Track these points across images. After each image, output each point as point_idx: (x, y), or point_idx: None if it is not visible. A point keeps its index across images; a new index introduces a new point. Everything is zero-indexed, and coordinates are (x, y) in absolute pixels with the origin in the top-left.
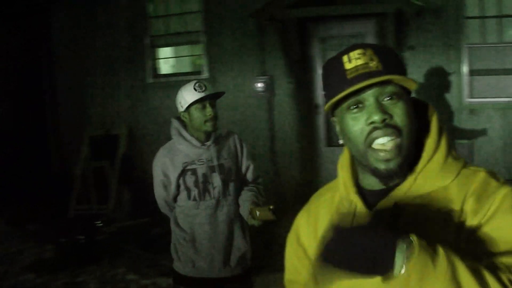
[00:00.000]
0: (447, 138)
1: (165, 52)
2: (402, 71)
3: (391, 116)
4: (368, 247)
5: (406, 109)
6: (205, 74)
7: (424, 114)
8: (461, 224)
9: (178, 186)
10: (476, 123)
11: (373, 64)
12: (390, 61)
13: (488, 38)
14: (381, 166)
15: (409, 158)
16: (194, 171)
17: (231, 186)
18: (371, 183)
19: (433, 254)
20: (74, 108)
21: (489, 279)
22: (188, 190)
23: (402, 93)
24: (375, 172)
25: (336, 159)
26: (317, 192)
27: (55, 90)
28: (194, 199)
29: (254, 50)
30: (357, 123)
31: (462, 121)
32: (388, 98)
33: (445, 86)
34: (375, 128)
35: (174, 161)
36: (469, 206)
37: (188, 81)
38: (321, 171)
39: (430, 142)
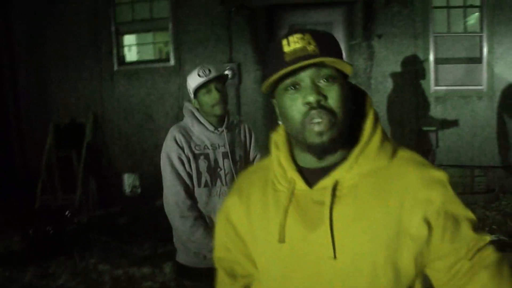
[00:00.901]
0: (381, 123)
1: (130, 39)
2: (339, 55)
3: (326, 98)
4: None
5: (341, 92)
6: (171, 62)
7: (362, 100)
8: (403, 204)
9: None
10: (442, 110)
11: (311, 48)
12: (327, 45)
13: (452, 27)
14: (315, 140)
15: (342, 137)
16: (207, 156)
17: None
18: (308, 161)
19: None
20: (37, 97)
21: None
22: (199, 175)
23: (338, 77)
24: (310, 147)
25: None
26: (247, 171)
27: (16, 79)
28: (206, 185)
29: (221, 37)
30: (294, 103)
31: (429, 109)
32: (324, 80)
33: (412, 74)
34: (311, 109)
35: (189, 142)
36: (418, 194)
37: (154, 68)
38: None
39: (367, 126)
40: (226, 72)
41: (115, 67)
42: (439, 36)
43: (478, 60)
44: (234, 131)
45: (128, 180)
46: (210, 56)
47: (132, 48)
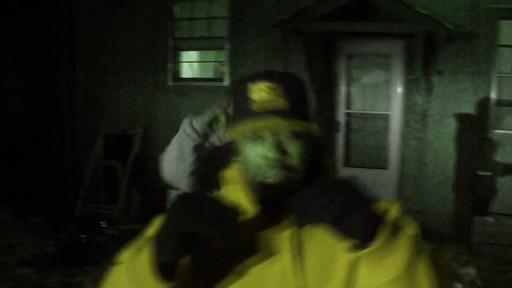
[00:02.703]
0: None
1: (188, 55)
2: (307, 109)
3: (285, 153)
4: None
5: (303, 149)
6: (225, 82)
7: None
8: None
9: None
10: (502, 155)
11: (280, 102)
12: (298, 99)
13: None
14: (266, 192)
15: (294, 187)
16: None
17: None
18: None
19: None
20: (91, 105)
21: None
22: None
23: (302, 133)
24: (260, 196)
25: None
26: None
27: (74, 86)
28: None
29: (277, 61)
30: (253, 153)
31: (487, 153)
32: (287, 138)
33: (472, 115)
34: (268, 164)
35: None
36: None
37: (208, 87)
38: None
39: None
40: None
41: (170, 82)
42: (503, 76)
43: None
44: None
45: (171, 196)
46: None
47: (188, 65)
